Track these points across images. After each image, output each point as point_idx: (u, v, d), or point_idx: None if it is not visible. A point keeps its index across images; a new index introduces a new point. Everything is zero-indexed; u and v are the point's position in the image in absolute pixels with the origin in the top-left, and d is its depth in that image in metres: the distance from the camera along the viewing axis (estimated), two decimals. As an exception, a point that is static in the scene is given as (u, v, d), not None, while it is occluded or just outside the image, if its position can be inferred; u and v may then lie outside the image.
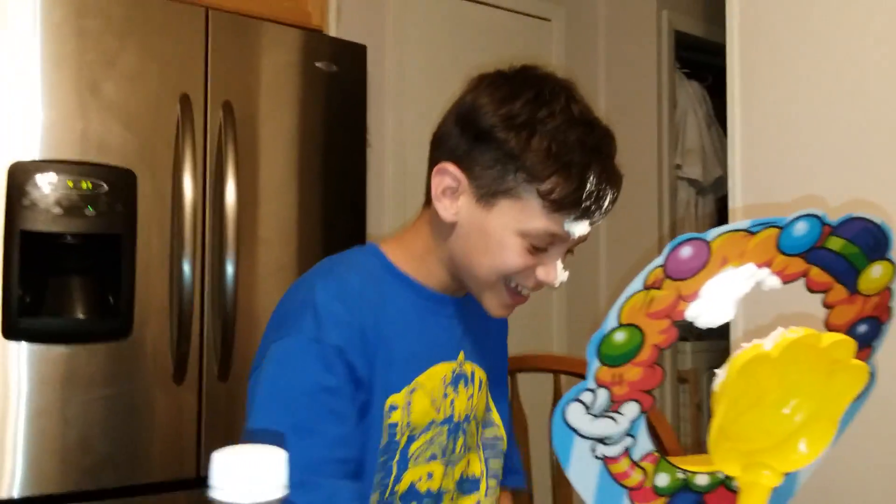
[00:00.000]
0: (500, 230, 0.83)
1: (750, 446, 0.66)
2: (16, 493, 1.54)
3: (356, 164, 2.06)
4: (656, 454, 0.68)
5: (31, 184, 1.55)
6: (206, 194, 1.76)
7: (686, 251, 0.61)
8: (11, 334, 1.53)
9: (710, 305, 0.62)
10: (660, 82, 2.70)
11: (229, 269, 1.73)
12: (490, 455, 0.97)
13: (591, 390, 0.63)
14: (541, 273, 0.84)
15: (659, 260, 0.60)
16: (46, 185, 1.56)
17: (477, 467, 0.95)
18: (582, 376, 1.35)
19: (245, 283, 1.80)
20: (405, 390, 0.86)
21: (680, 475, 0.69)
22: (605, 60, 2.82)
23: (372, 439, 0.84)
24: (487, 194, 0.84)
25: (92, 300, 1.67)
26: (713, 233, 0.61)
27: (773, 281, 0.65)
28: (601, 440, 0.64)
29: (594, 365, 0.62)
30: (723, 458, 0.65)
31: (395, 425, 0.85)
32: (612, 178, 0.83)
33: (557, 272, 0.85)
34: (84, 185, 1.60)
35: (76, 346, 1.61)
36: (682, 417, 2.74)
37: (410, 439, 0.87)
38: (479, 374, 0.95)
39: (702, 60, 2.95)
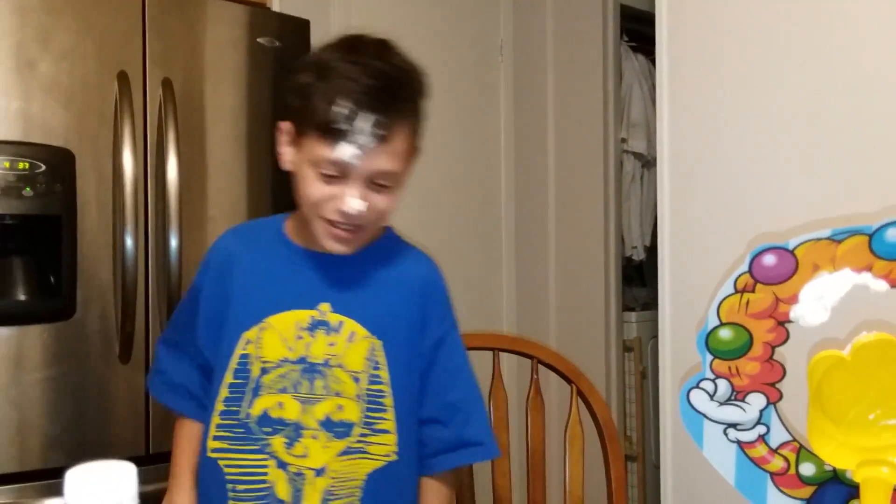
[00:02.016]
0: (301, 164, 1.00)
1: (865, 443, 0.69)
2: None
3: (302, 140, 2.06)
4: (796, 444, 0.74)
5: (-34, 164, 1.53)
6: (148, 172, 1.75)
7: (769, 259, 0.69)
8: (-50, 317, 1.52)
9: (811, 307, 0.70)
10: (605, 56, 2.74)
11: (173, 245, 1.73)
12: (372, 408, 1.05)
13: (711, 380, 0.72)
14: (337, 202, 0.97)
15: (743, 267, 0.70)
16: (-19, 165, 1.54)
17: (354, 415, 1.04)
18: (520, 353, 1.39)
19: (192, 260, 1.79)
20: (256, 328, 1.04)
21: (828, 467, 0.73)
22: (552, 33, 2.83)
23: (221, 365, 1.05)
24: (295, 136, 1.01)
25: (34, 281, 1.66)
26: (793, 242, 0.69)
27: (879, 285, 0.69)
28: (732, 425, 0.72)
29: (707, 357, 0.72)
30: (832, 454, 0.69)
31: (246, 356, 1.04)
32: (369, 105, 0.94)
33: (350, 201, 0.96)
34: (21, 166, 1.57)
35: (19, 328, 1.60)
36: (627, 385, 2.83)
37: (264, 371, 1.04)
38: (352, 327, 1.05)
39: (649, 34, 2.99)
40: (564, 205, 2.79)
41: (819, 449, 0.69)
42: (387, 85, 0.97)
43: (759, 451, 0.73)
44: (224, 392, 1.05)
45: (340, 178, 0.97)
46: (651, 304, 3.05)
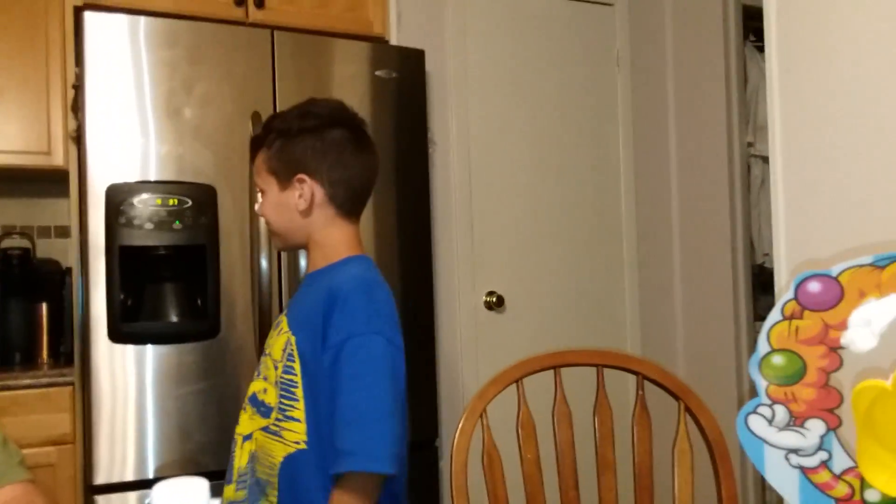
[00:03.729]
0: None
1: None
2: (130, 476, 1.75)
3: (419, 162, 2.16)
4: (860, 470, 0.74)
5: (126, 203, 1.74)
6: (280, 203, 1.91)
7: (814, 286, 0.71)
8: (116, 338, 1.73)
9: (861, 333, 0.71)
10: (727, 57, 2.66)
11: (303, 267, 1.88)
12: (285, 396, 1.15)
13: (768, 406, 0.73)
14: None
15: (789, 294, 0.71)
16: (139, 203, 1.75)
17: (272, 398, 1.16)
18: (624, 369, 1.40)
19: (320, 282, 1.94)
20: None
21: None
22: (671, 40, 2.79)
23: None
24: None
25: (184, 304, 1.86)
26: (836, 269, 0.70)
27: None
28: (792, 450, 0.74)
29: (761, 383, 0.73)
30: (887, 483, 0.70)
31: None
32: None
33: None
34: (171, 202, 1.77)
35: (174, 346, 1.80)
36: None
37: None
38: (284, 324, 1.19)
39: (775, 32, 2.87)
40: (688, 212, 2.73)
41: (872, 478, 0.67)
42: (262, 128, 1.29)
43: (823, 476, 0.72)
44: None
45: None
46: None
